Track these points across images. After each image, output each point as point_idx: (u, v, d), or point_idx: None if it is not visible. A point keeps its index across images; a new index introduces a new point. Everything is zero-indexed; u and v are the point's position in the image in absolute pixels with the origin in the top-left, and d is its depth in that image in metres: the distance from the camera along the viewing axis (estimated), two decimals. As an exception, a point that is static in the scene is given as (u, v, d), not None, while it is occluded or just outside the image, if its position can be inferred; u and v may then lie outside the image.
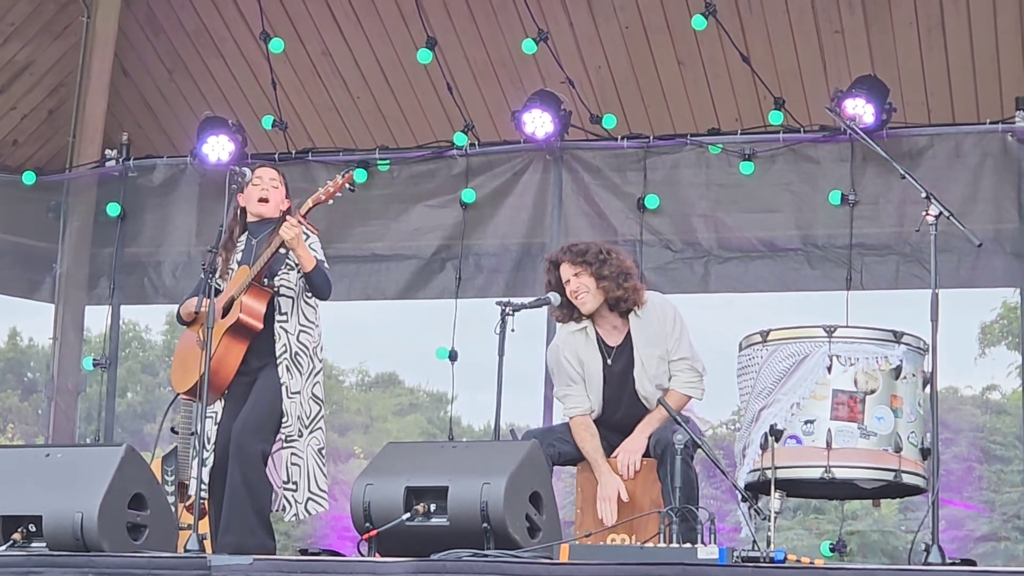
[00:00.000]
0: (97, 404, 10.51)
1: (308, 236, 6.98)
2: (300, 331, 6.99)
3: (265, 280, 6.94)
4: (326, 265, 7.05)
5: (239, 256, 7.08)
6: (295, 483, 6.88)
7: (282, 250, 6.88)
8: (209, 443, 6.93)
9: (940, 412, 6.14)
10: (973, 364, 22.55)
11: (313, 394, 7.01)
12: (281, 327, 6.96)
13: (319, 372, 7.07)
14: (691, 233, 9.56)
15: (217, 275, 7.00)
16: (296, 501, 6.89)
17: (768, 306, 9.92)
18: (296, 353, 6.95)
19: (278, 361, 6.92)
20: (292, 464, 6.90)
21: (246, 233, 7.15)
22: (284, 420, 6.86)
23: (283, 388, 6.88)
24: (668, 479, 6.15)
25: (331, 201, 6.90)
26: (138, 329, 27.58)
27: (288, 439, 6.90)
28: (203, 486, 6.87)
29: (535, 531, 5.55)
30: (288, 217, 6.89)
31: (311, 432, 6.97)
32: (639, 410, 6.79)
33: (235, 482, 6.79)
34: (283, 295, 6.98)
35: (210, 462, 6.91)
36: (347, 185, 6.86)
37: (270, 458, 6.95)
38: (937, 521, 5.86)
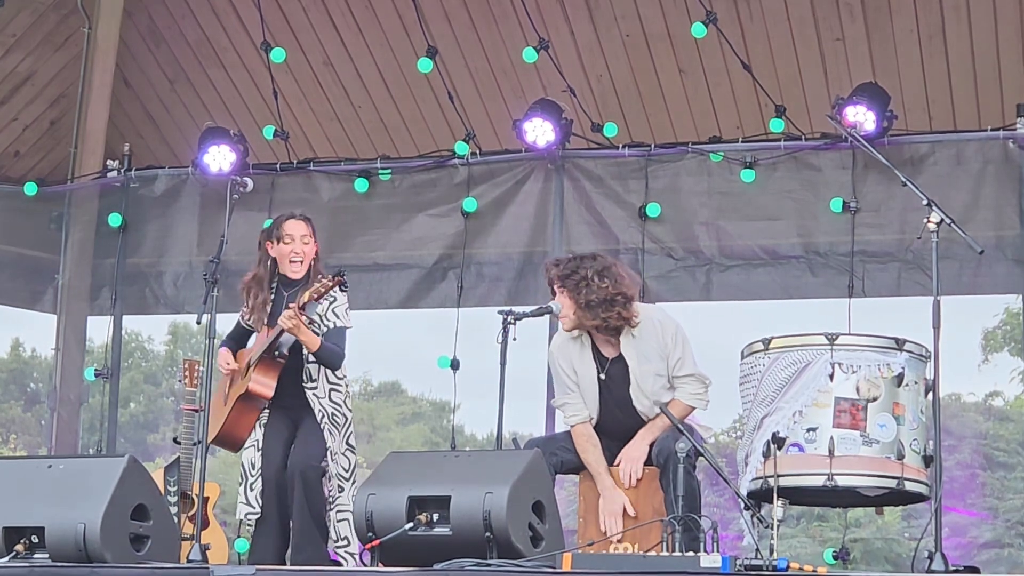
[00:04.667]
0: (99, 414, 10.50)
1: (335, 299, 7.09)
2: (330, 390, 7.15)
3: (276, 352, 7.06)
4: (349, 326, 7.15)
5: (270, 308, 7.18)
6: (346, 538, 7.02)
7: (313, 308, 6.97)
8: (254, 469, 7.12)
9: (943, 419, 6.15)
10: (976, 371, 22.58)
11: (348, 444, 7.18)
12: (312, 394, 7.11)
13: (350, 423, 7.22)
14: (693, 241, 9.56)
15: (250, 318, 7.28)
16: (352, 554, 7.03)
17: (770, 314, 9.90)
18: (332, 414, 7.11)
19: (321, 426, 7.07)
20: (339, 521, 7.05)
21: (277, 283, 7.25)
22: (327, 480, 7.03)
23: (328, 452, 7.05)
24: (671, 488, 6.14)
25: (326, 295, 6.95)
26: (140, 339, 27.62)
27: (330, 498, 7.06)
28: (254, 510, 7.08)
29: (538, 540, 5.54)
30: (289, 306, 6.95)
31: (352, 483, 7.13)
32: (637, 422, 6.77)
33: (304, 513, 6.96)
34: (310, 362, 7.11)
35: (257, 487, 7.09)
36: (336, 288, 6.95)
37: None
38: (940, 528, 5.86)
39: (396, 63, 10.27)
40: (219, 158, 10.03)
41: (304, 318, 6.88)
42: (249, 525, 7.21)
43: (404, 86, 10.33)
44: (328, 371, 7.11)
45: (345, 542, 7.01)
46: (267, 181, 10.10)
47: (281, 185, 10.22)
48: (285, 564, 6.96)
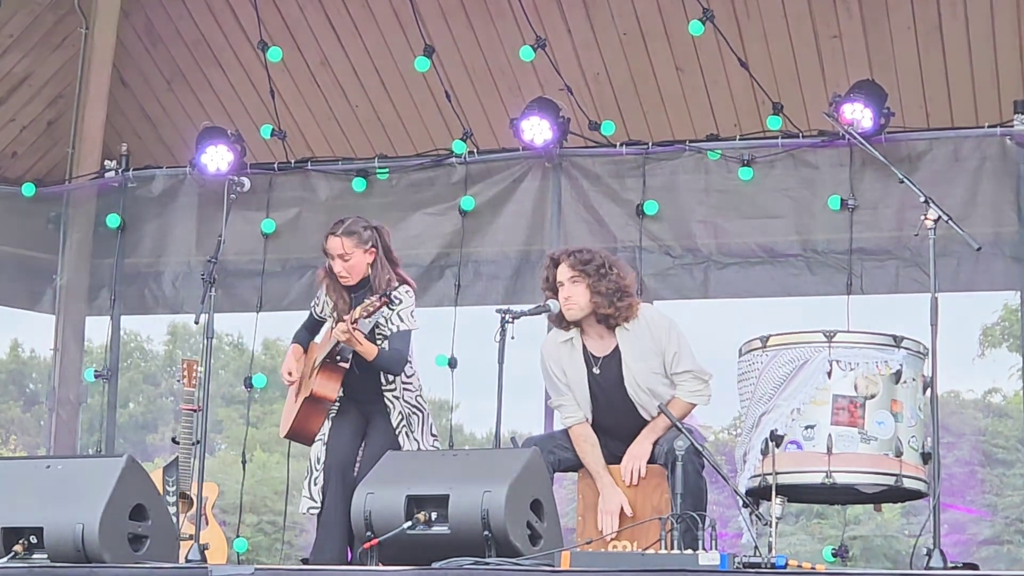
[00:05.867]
0: (98, 415, 10.50)
1: (401, 301, 7.10)
2: (404, 390, 7.20)
3: (337, 358, 7.10)
4: (415, 327, 7.16)
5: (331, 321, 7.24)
6: None
7: (367, 320, 6.95)
8: (319, 463, 7.16)
9: (941, 416, 6.16)
10: (974, 367, 22.55)
11: (432, 435, 7.25)
12: (391, 396, 7.17)
13: (428, 414, 7.28)
14: (690, 239, 9.55)
15: (322, 311, 7.33)
16: None
17: (768, 311, 9.91)
18: (409, 415, 7.18)
19: (397, 432, 7.12)
20: None
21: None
22: None
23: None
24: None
25: (376, 313, 6.92)
26: (139, 339, 27.58)
27: None
28: (315, 504, 7.11)
29: (536, 539, 5.55)
30: (343, 319, 6.96)
31: None
32: (636, 418, 6.77)
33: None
34: None
35: (320, 480, 7.13)
36: (384, 307, 6.90)
37: None
38: (939, 525, 5.87)
39: (393, 62, 10.28)
40: (216, 158, 10.03)
41: (358, 332, 6.91)
42: (311, 516, 7.20)
43: (401, 85, 10.33)
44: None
45: None
46: (265, 181, 10.10)
47: (279, 184, 10.22)
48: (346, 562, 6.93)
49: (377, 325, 7.05)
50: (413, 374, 7.27)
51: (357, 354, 7.05)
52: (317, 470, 7.16)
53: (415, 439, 7.15)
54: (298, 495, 7.34)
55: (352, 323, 6.90)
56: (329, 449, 7.17)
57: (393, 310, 7.06)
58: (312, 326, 7.46)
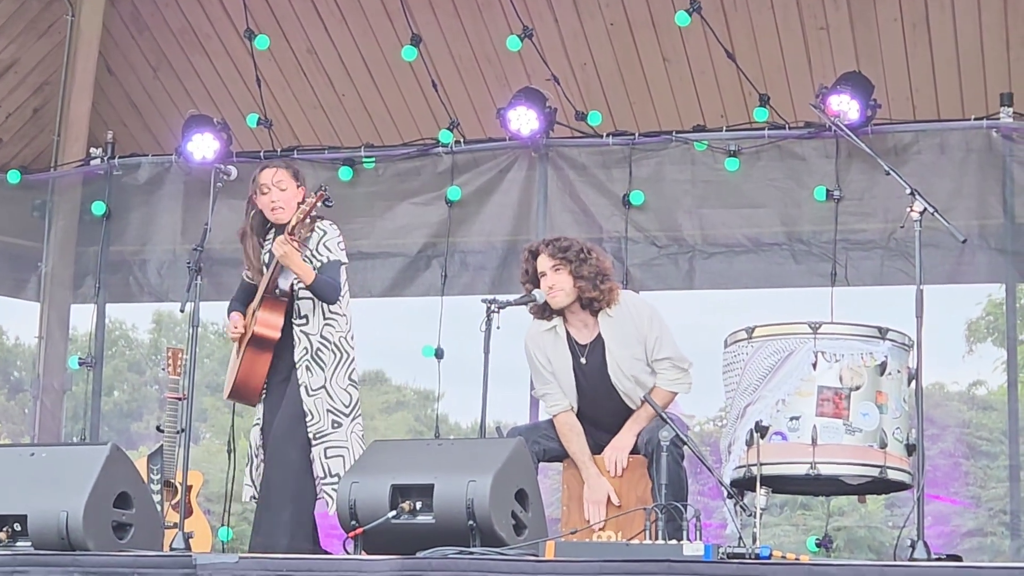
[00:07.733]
0: (83, 403, 10.49)
1: (325, 232, 7.00)
2: (324, 325, 7.00)
3: (277, 290, 6.98)
4: (344, 260, 7.06)
5: (267, 257, 7.09)
6: (337, 475, 6.75)
7: (304, 222, 6.87)
8: (256, 448, 7.07)
9: (926, 408, 6.17)
10: (959, 360, 22.55)
11: (350, 380, 7.03)
12: (301, 331, 7.00)
13: (350, 359, 7.06)
14: (676, 229, 9.57)
15: (247, 270, 7.19)
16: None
17: (753, 302, 9.92)
18: (317, 350, 6.96)
19: (297, 364, 6.94)
20: (328, 458, 6.85)
21: (273, 230, 7.15)
22: (309, 419, 6.87)
23: (302, 388, 6.90)
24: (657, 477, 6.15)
25: (308, 219, 6.88)
26: (124, 327, 27.52)
27: (318, 435, 6.87)
28: (254, 490, 7.01)
29: (521, 528, 5.55)
30: (282, 236, 6.86)
31: (352, 419, 6.98)
32: (620, 406, 6.78)
33: (270, 486, 6.85)
34: (303, 298, 7.01)
35: (262, 469, 7.01)
36: (320, 203, 6.84)
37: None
38: (923, 517, 5.88)
39: (380, 51, 10.26)
40: (203, 146, 10.02)
41: (295, 243, 6.80)
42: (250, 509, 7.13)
43: (388, 74, 10.32)
44: (324, 307, 6.98)
45: (335, 479, 6.72)
46: (251, 169, 10.00)
47: (265, 173, 10.19)
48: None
49: (306, 259, 6.91)
50: (343, 315, 7.05)
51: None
52: (257, 456, 7.03)
53: (322, 375, 6.92)
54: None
55: (290, 233, 6.80)
56: (264, 433, 7.02)
57: (314, 235, 6.93)
58: (243, 295, 7.26)
